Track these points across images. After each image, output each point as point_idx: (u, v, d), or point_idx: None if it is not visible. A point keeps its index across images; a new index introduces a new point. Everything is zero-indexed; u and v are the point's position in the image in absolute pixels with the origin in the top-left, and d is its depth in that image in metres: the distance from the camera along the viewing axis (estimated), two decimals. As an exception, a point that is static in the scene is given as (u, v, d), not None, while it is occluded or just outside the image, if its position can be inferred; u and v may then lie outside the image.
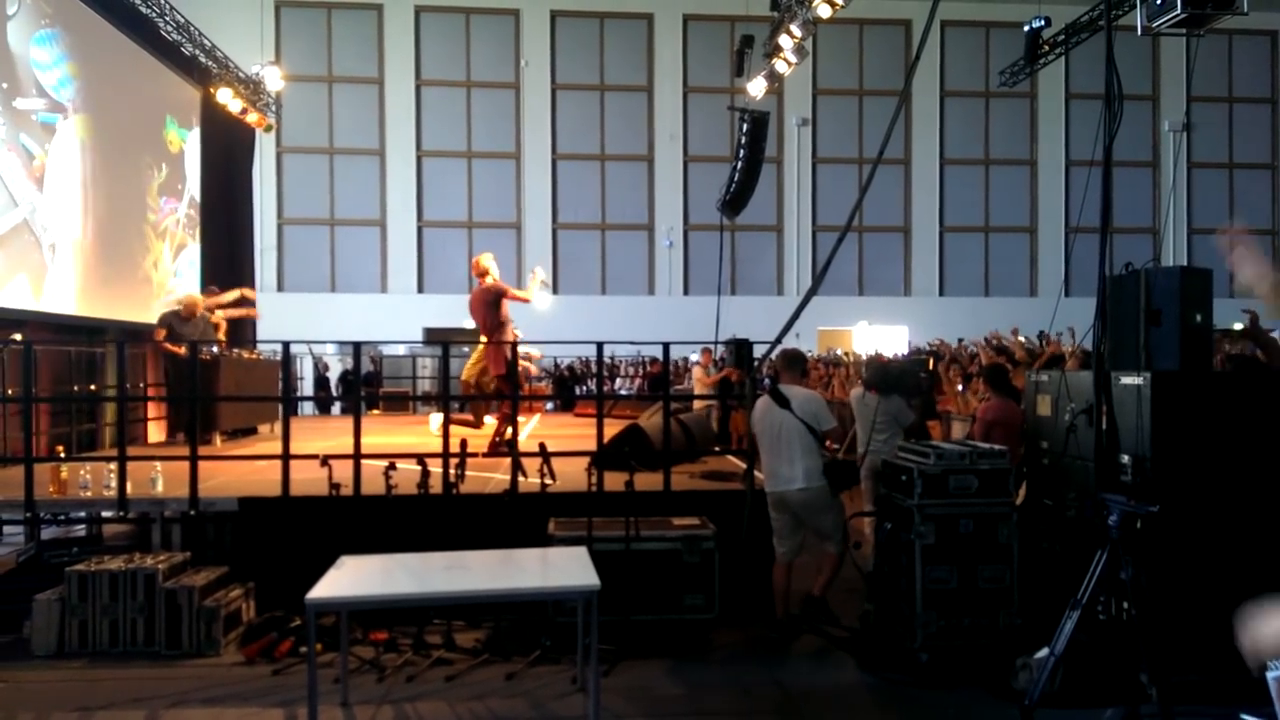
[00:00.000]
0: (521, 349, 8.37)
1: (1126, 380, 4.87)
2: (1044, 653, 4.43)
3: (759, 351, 8.00)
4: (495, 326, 8.46)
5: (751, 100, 16.17)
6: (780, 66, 15.35)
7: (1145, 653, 4.16)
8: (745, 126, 13.50)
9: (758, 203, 16.27)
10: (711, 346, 13.27)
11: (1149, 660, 4.16)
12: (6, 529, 6.53)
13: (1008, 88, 23.35)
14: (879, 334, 24.32)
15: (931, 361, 11.37)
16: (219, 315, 9.99)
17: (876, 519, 5.70)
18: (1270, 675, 2.11)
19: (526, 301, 8.73)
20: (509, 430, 7.75)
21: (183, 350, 8.91)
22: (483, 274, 8.72)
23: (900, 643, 5.23)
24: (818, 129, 26.24)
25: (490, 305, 8.53)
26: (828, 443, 6.07)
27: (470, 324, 9.84)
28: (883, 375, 7.25)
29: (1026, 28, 18.11)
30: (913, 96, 25.45)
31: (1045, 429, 5.64)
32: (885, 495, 5.58)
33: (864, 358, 13.77)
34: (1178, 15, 6.94)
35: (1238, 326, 8.84)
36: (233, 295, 10.44)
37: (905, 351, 18.83)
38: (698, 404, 11.03)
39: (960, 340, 15.50)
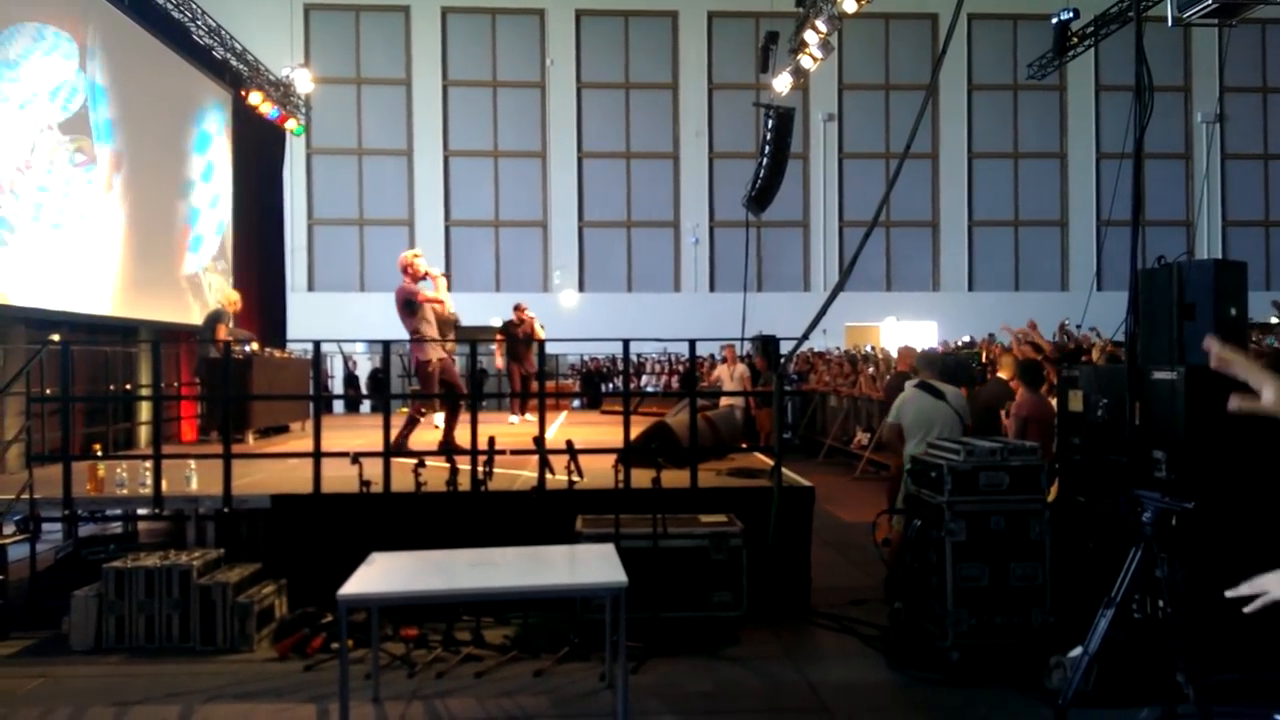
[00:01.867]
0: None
1: (1160, 375, 4.80)
2: (1078, 651, 4.38)
3: (786, 347, 7.98)
4: (411, 330, 8.10)
5: (777, 96, 16.11)
6: (806, 62, 15.28)
7: (1181, 651, 4.10)
8: (770, 122, 13.47)
9: (784, 198, 16.23)
10: (735, 343, 13.26)
11: (1185, 659, 4.11)
12: (45, 526, 6.63)
13: (1036, 80, 23.14)
14: (907, 330, 24.15)
15: (984, 354, 11.26)
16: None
17: (906, 516, 5.67)
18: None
19: (439, 304, 8.33)
20: (454, 433, 7.90)
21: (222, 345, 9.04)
22: (401, 270, 8.24)
23: (931, 641, 5.19)
24: (844, 124, 26.10)
25: (403, 306, 8.09)
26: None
27: (496, 321, 10.68)
28: (939, 368, 7.22)
29: (1054, 20, 17.89)
30: (940, 90, 25.26)
31: (1077, 424, 5.58)
32: (915, 492, 5.54)
33: (910, 352, 13.69)
34: (1209, 5, 6.83)
35: (1274, 320, 8.71)
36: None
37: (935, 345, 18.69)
38: (724, 401, 11.01)
39: (990, 335, 15.36)
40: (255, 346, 10.07)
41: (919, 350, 8.01)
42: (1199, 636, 4.13)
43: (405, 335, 8.20)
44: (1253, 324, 6.46)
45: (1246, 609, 1.93)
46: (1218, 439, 4.62)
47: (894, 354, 14.86)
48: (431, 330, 8.13)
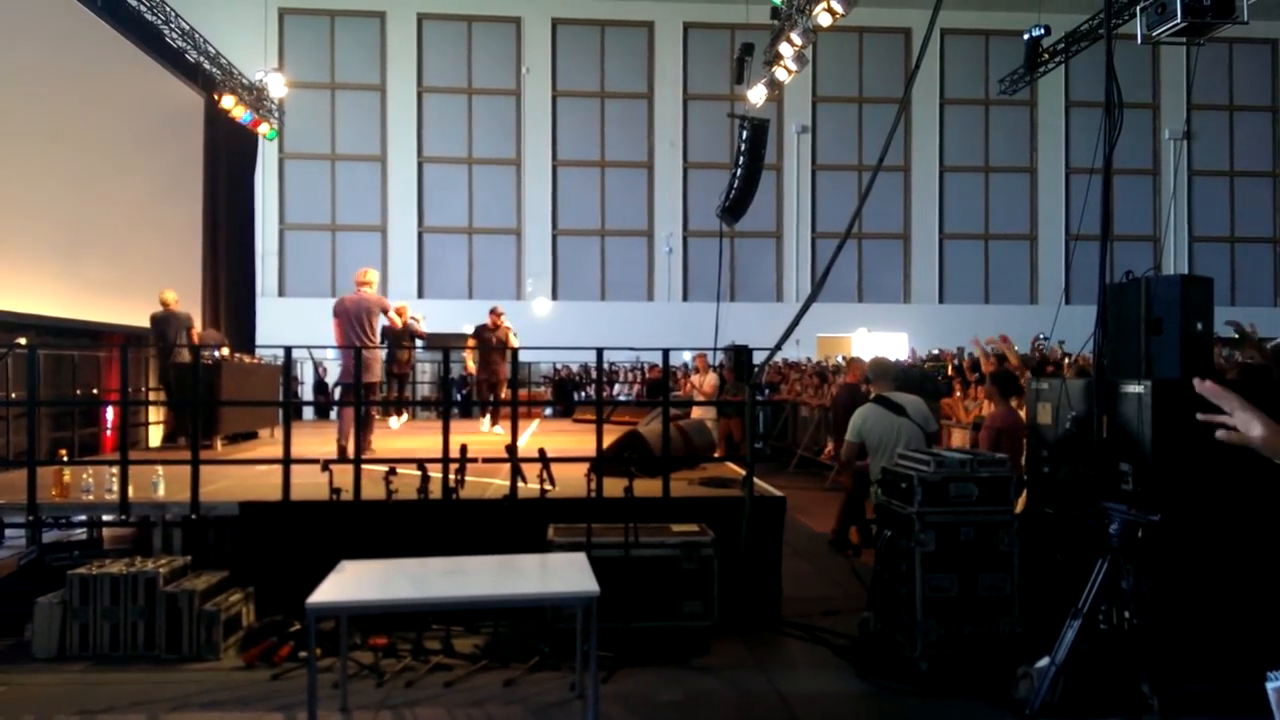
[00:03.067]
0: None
1: (1128, 388, 4.87)
2: (1045, 662, 4.43)
3: (759, 358, 8.02)
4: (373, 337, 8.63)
5: (751, 107, 16.20)
6: (780, 74, 15.39)
7: (1147, 662, 4.15)
8: (745, 133, 13.53)
9: (757, 209, 16.29)
10: (706, 352, 13.29)
11: (1151, 670, 4.16)
12: (8, 532, 6.52)
13: (1007, 96, 23.45)
14: (879, 341, 24.33)
15: (950, 368, 11.39)
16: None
17: (876, 526, 5.70)
18: (1270, 686, 2.10)
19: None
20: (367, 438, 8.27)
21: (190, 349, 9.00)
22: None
23: (900, 651, 5.22)
24: (817, 136, 26.30)
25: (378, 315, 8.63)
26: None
27: (468, 328, 10.87)
28: (904, 380, 7.27)
29: (1026, 36, 18.17)
30: (912, 104, 25.51)
31: (1045, 437, 5.64)
32: (885, 502, 5.58)
33: (860, 364, 13.80)
34: (1178, 24, 6.96)
35: (1234, 336, 8.85)
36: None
37: (905, 358, 18.85)
38: (696, 411, 11.04)
39: (960, 348, 15.50)
40: (225, 351, 9.98)
41: (870, 359, 7.91)
42: (1164, 647, 4.19)
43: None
44: (1218, 338, 6.55)
45: (1219, 435, 1.99)
46: (1184, 452, 4.69)
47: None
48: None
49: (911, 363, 14.07)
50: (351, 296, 8.51)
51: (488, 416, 11.66)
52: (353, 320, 8.35)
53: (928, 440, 6.31)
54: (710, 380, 12.20)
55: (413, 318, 9.73)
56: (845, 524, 8.24)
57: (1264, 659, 4.47)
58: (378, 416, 10.06)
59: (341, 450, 7.84)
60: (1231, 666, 4.63)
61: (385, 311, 8.63)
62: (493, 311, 11.68)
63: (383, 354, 8.82)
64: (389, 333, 10.12)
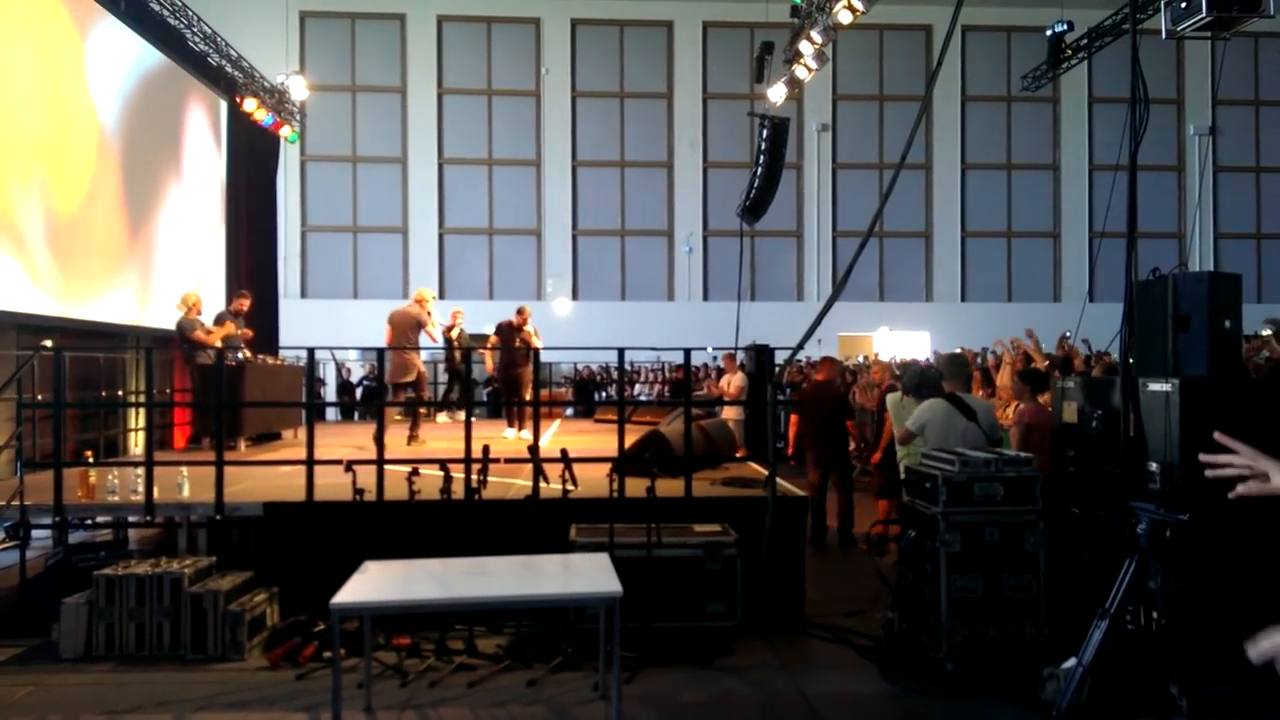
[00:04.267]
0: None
1: (1154, 387, 4.82)
2: (1071, 663, 4.38)
3: (780, 358, 7.99)
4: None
5: (771, 106, 16.16)
6: (800, 72, 15.33)
7: (1175, 663, 4.10)
8: (765, 132, 13.49)
9: (778, 208, 16.24)
10: (733, 352, 13.22)
11: (1179, 671, 4.11)
12: (35, 533, 6.59)
13: (1030, 92, 23.22)
14: (900, 340, 24.19)
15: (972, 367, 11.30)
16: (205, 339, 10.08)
17: (901, 526, 5.66)
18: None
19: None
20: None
21: (214, 350, 9.06)
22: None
23: (925, 652, 5.19)
24: (838, 134, 26.19)
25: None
26: None
27: (489, 329, 10.74)
28: (920, 381, 7.23)
29: (1049, 32, 17.99)
30: (934, 101, 25.34)
31: (1071, 436, 5.59)
32: (910, 503, 5.54)
33: (895, 363, 13.71)
34: (1203, 18, 6.86)
35: (1265, 332, 8.73)
36: (227, 313, 10.56)
37: (928, 357, 18.71)
38: (727, 411, 11.00)
39: (984, 348, 15.38)
40: (248, 353, 10.03)
41: (945, 356, 8.03)
42: (1193, 648, 4.13)
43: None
44: (1246, 337, 6.47)
45: (1240, 489, 1.96)
46: (1212, 451, 4.62)
47: (888, 360, 14.87)
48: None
49: (930, 364, 13.97)
50: (400, 309, 10.11)
51: (511, 424, 11.08)
52: (397, 330, 9.97)
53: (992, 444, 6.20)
54: (738, 381, 12.11)
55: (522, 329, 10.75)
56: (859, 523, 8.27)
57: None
58: (425, 413, 11.12)
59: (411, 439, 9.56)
60: (1261, 668, 4.57)
61: (421, 327, 9.98)
62: (519, 311, 11.21)
63: (421, 356, 9.96)
64: (505, 330, 10.99)
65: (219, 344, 9.57)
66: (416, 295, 10.32)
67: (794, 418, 9.48)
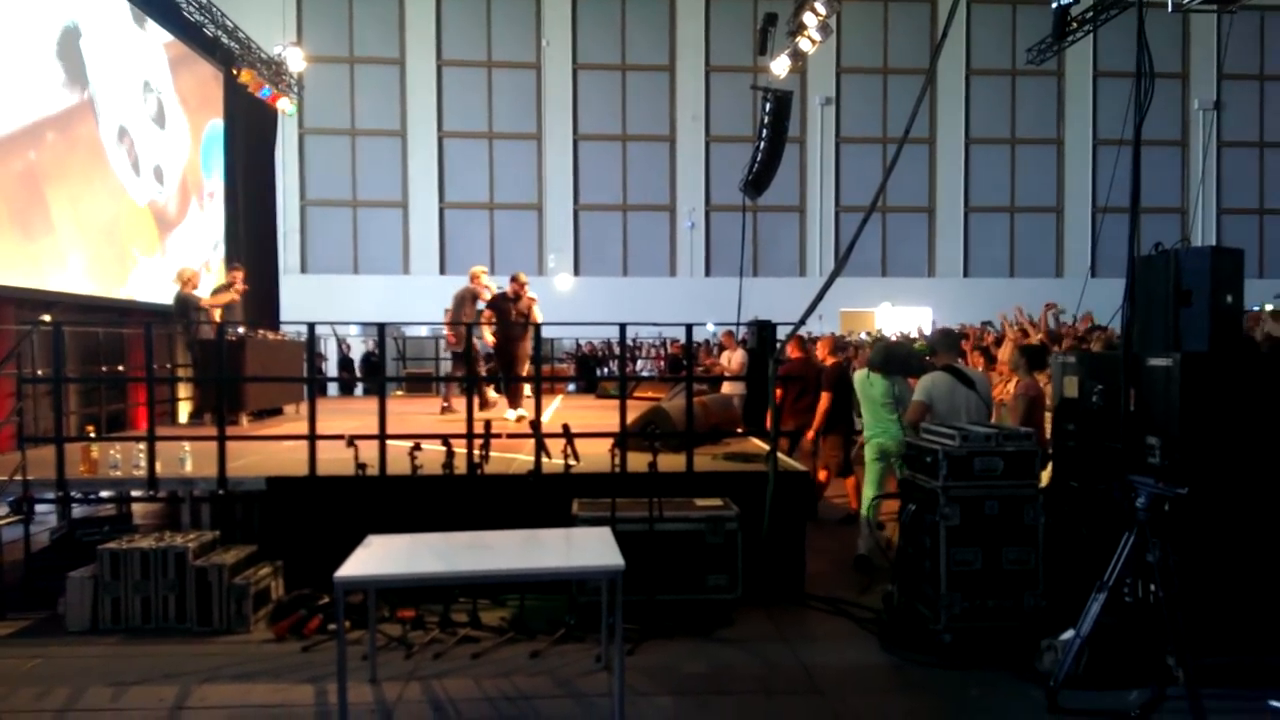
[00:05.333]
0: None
1: (1155, 362, 4.82)
2: (1069, 634, 4.42)
3: (782, 333, 7.99)
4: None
5: (775, 79, 16.05)
6: (804, 45, 15.23)
7: (1172, 635, 4.14)
8: (768, 106, 13.40)
9: (780, 183, 16.18)
10: (733, 328, 13.20)
11: (1175, 643, 4.15)
12: (39, 508, 6.63)
13: (1035, 66, 23.07)
14: (902, 315, 24.19)
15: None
16: (211, 301, 10.12)
17: (900, 500, 5.69)
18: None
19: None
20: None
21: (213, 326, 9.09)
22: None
23: (923, 624, 5.23)
24: (841, 108, 26.05)
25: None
26: None
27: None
28: (886, 356, 7.25)
29: (1054, 4, 17.76)
30: (938, 75, 25.19)
31: (1072, 410, 5.60)
32: (909, 477, 5.56)
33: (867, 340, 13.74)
34: (1210, -9, 6.81)
35: (1269, 308, 8.73)
36: (221, 286, 10.57)
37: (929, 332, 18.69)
38: (725, 387, 11.00)
39: (985, 323, 15.38)
40: (241, 329, 10.01)
41: (936, 330, 8.13)
42: (1189, 620, 4.17)
43: (405, 319, 9.23)
44: (1246, 311, 6.47)
45: None
46: (1212, 425, 4.65)
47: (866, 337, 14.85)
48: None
49: (899, 339, 13.91)
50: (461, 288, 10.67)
51: (509, 403, 10.25)
52: (456, 306, 10.55)
53: (988, 419, 6.26)
54: (739, 357, 12.11)
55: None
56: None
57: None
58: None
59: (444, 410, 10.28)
60: (1256, 640, 4.61)
61: (478, 299, 10.45)
62: (514, 279, 10.31)
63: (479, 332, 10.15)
64: (501, 302, 10.43)
65: (220, 311, 9.66)
66: (471, 272, 10.77)
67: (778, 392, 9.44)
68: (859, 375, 7.58)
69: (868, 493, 7.12)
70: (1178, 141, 26.27)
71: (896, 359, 7.30)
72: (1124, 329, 4.95)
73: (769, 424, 6.72)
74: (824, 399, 8.32)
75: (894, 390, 7.02)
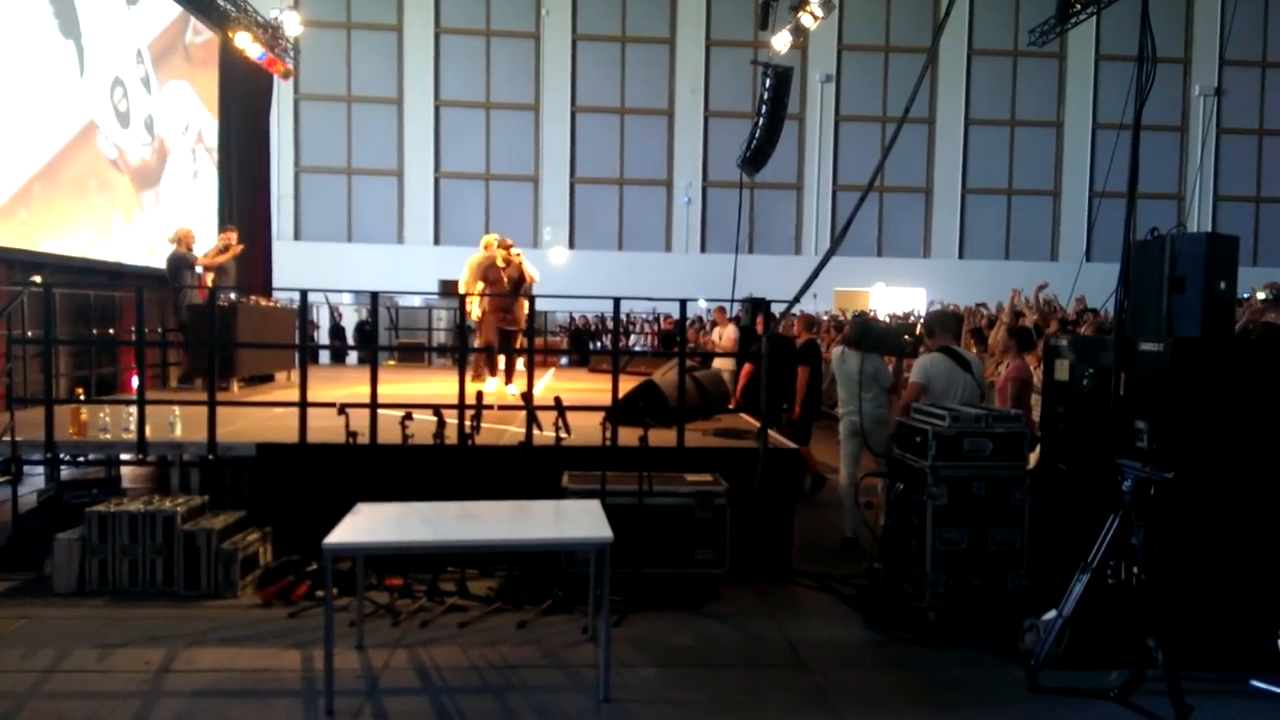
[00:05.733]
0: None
1: (1146, 346, 4.83)
2: (1051, 615, 4.46)
3: (777, 310, 7.98)
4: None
5: (775, 55, 15.94)
6: (806, 20, 15.11)
7: (1153, 617, 4.18)
8: (768, 82, 13.32)
9: (778, 160, 16.11)
10: (724, 305, 13.17)
11: (1156, 625, 4.18)
12: (26, 469, 6.62)
13: (1037, 47, 22.94)
14: (897, 295, 24.19)
15: (918, 327, 11.32)
16: (206, 261, 10.06)
17: (889, 479, 5.71)
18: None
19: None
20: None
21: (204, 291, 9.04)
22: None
23: (908, 601, 5.26)
24: (842, 86, 25.91)
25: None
26: None
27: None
28: (863, 333, 7.26)
29: (1058, -15, 17.72)
30: (939, 55, 25.05)
31: (1062, 393, 5.61)
32: (899, 456, 5.58)
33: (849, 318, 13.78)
34: (1215, -26, 6.76)
35: (1260, 295, 8.74)
36: (217, 248, 10.42)
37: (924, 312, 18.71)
38: (720, 363, 11.00)
39: (980, 304, 15.40)
40: (233, 295, 9.96)
41: (931, 312, 8.20)
42: (1170, 603, 4.20)
43: (399, 288, 8.86)
44: (1241, 299, 6.48)
45: None
46: (1201, 411, 4.66)
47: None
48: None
49: (872, 318, 13.92)
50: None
51: (501, 374, 9.87)
52: (472, 275, 9.59)
53: (983, 396, 6.30)
54: (729, 333, 12.11)
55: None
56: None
57: (1268, 616, 4.51)
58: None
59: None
60: (1234, 623, 4.66)
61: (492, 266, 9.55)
62: (501, 243, 9.77)
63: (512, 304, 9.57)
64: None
65: (213, 274, 9.60)
66: (484, 241, 10.02)
67: (747, 367, 9.45)
68: (835, 352, 7.59)
69: (844, 469, 7.15)
70: (1177, 127, 26.21)
71: (873, 336, 7.31)
72: (1116, 313, 4.95)
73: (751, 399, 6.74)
74: (801, 374, 8.38)
75: (869, 367, 7.04)
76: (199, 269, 9.92)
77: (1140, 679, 4.28)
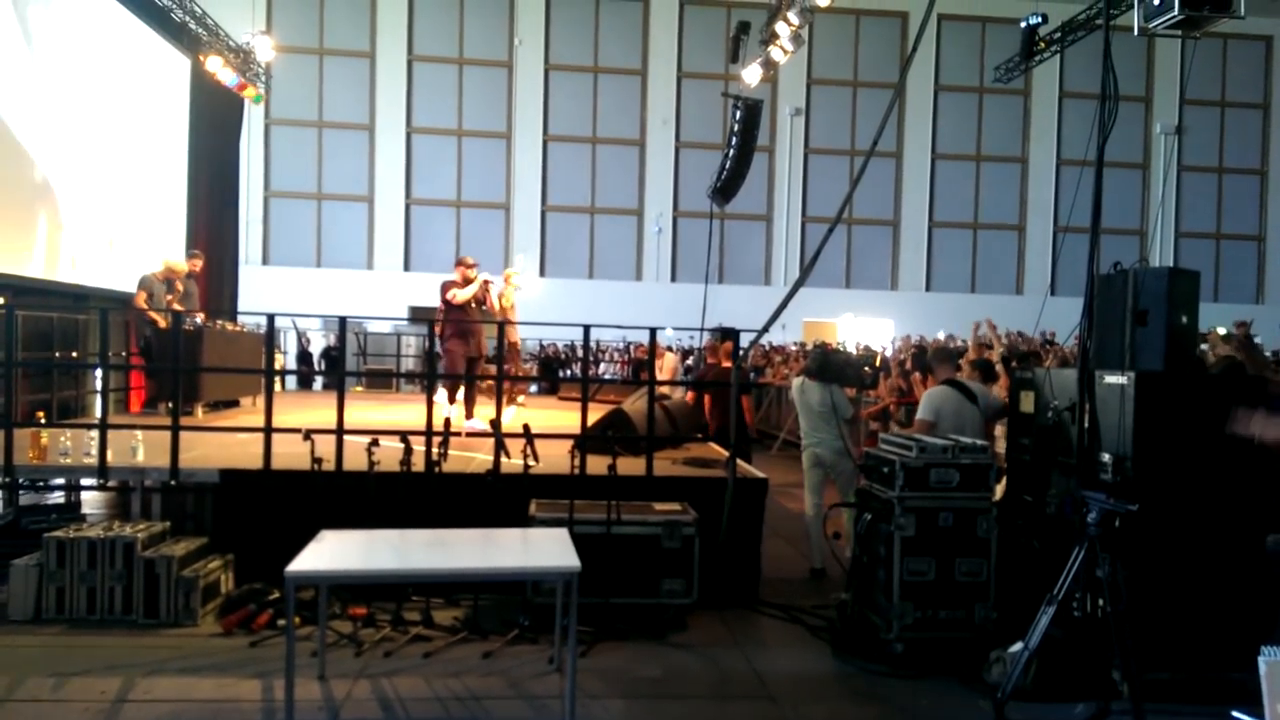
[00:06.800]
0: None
1: (1110, 379, 4.90)
2: (1018, 646, 4.48)
3: (745, 340, 8.02)
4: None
5: (746, 88, 16.12)
6: (776, 54, 15.30)
7: (1119, 649, 4.20)
8: (738, 114, 13.46)
9: (748, 191, 16.26)
10: (671, 343, 13.21)
11: (1122, 657, 4.21)
12: (-17, 494, 6.49)
13: (1002, 84, 23.40)
14: (865, 327, 24.40)
15: (879, 359, 11.41)
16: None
17: (856, 510, 5.73)
18: (1263, 661, 2.12)
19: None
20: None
21: (163, 319, 8.88)
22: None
23: (875, 633, 5.26)
24: (811, 119, 26.23)
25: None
26: None
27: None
28: (822, 364, 7.31)
29: (1023, 24, 18.10)
30: (907, 89, 25.46)
31: (1027, 425, 5.67)
32: (865, 487, 5.61)
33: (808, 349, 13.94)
34: (1175, 16, 6.92)
35: (1221, 331, 8.92)
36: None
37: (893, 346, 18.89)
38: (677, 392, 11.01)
39: (950, 335, 15.56)
40: (201, 317, 9.82)
41: (933, 346, 8.31)
42: (1136, 635, 4.23)
43: (368, 314, 8.51)
44: (1200, 334, 6.59)
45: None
46: (1164, 444, 4.73)
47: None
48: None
49: (831, 349, 14.04)
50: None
51: (461, 403, 9.13)
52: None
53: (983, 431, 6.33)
54: (669, 363, 12.21)
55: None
56: None
57: (1231, 649, 4.55)
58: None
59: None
60: (1199, 656, 4.70)
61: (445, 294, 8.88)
62: (460, 262, 9.15)
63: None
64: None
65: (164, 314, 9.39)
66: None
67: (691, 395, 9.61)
68: (795, 383, 7.63)
69: (809, 499, 7.18)
70: (1139, 164, 26.78)
71: (832, 367, 7.36)
72: (1080, 346, 5.02)
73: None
74: (745, 401, 8.42)
75: (829, 398, 7.07)
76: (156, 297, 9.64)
77: (1106, 712, 4.30)
